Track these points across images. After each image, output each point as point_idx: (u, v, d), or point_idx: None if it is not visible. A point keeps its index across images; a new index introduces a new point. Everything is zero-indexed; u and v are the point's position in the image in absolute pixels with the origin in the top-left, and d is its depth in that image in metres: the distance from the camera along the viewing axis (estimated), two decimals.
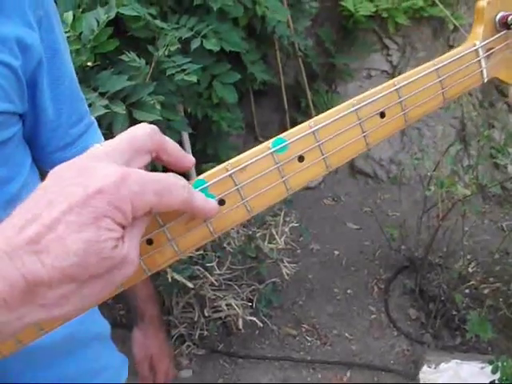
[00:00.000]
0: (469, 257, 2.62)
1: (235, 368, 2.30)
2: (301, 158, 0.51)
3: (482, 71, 0.57)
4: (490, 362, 1.89)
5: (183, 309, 2.23)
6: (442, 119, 3.34)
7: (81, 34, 1.65)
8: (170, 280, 1.99)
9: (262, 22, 2.46)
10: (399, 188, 2.89)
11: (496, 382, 1.86)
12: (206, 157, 2.44)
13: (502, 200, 3.17)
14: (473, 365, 2.09)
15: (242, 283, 2.24)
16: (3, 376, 0.76)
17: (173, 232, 0.49)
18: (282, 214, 2.31)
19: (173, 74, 1.83)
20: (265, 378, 2.26)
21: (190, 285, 2.05)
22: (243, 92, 2.84)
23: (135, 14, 1.77)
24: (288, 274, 2.30)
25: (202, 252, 2.15)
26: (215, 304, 2.17)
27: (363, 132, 0.52)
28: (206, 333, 2.21)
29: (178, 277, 2.01)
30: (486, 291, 2.47)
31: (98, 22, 1.64)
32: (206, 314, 2.18)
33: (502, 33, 0.57)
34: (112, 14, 1.64)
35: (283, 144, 0.50)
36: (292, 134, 0.50)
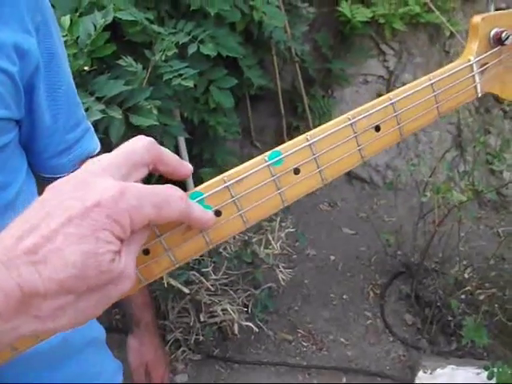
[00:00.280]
0: (465, 262, 2.62)
1: (231, 373, 2.30)
2: (297, 171, 0.51)
3: (476, 86, 0.57)
4: (486, 368, 1.89)
5: (179, 314, 2.23)
6: (438, 125, 3.35)
7: (78, 38, 1.65)
8: (165, 285, 1.99)
9: (259, 27, 2.47)
10: (395, 194, 2.90)
11: None
12: (203, 162, 2.45)
13: (497, 206, 3.19)
14: (468, 370, 2.09)
15: (238, 288, 2.24)
16: None
17: (169, 242, 0.49)
18: (278, 219, 2.31)
19: (170, 79, 1.83)
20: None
21: (186, 290, 2.05)
22: (240, 97, 2.85)
23: (132, 18, 1.78)
24: (284, 280, 2.30)
25: (197, 257, 2.15)
26: (211, 309, 2.17)
27: (358, 145, 0.52)
28: (201, 338, 2.20)
29: (173, 282, 2.01)
30: (481, 297, 2.48)
31: (95, 26, 1.64)
32: (202, 319, 2.18)
33: (496, 48, 0.58)
34: (109, 19, 1.64)
35: (279, 157, 0.50)
36: (288, 147, 0.51)
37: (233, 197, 0.50)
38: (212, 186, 0.49)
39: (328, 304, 2.62)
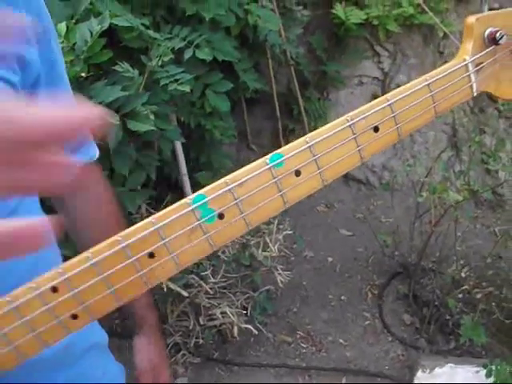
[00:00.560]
0: (462, 262, 2.63)
1: (231, 376, 2.30)
2: (297, 173, 0.52)
3: (471, 85, 0.58)
4: (484, 366, 1.90)
5: (178, 317, 2.23)
6: (433, 125, 3.37)
7: (74, 44, 1.65)
8: (165, 289, 1.99)
9: (254, 30, 2.48)
10: (392, 194, 2.91)
11: None
12: (199, 165, 2.45)
13: (493, 205, 3.20)
14: (467, 369, 2.10)
15: (237, 291, 2.25)
16: None
17: (174, 246, 0.50)
18: (276, 221, 2.32)
19: (166, 84, 1.84)
20: None
21: (185, 293, 2.06)
22: (236, 100, 2.86)
23: (128, 24, 1.78)
24: (282, 282, 2.31)
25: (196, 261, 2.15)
26: (210, 312, 2.17)
27: (358, 146, 0.53)
28: (201, 341, 2.21)
29: (172, 285, 2.01)
30: (479, 296, 2.49)
31: (91, 32, 1.64)
32: (201, 322, 2.18)
33: (491, 48, 0.59)
34: (105, 25, 1.65)
35: (280, 159, 0.51)
36: (289, 150, 0.52)
37: (235, 199, 0.50)
38: (215, 188, 0.50)
39: (326, 305, 2.63)
